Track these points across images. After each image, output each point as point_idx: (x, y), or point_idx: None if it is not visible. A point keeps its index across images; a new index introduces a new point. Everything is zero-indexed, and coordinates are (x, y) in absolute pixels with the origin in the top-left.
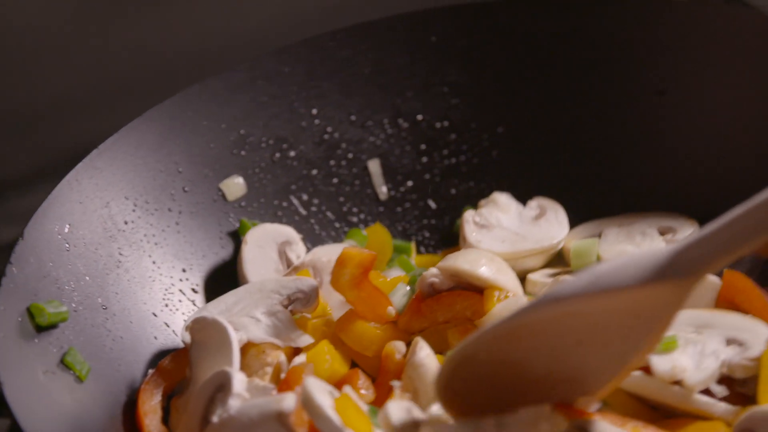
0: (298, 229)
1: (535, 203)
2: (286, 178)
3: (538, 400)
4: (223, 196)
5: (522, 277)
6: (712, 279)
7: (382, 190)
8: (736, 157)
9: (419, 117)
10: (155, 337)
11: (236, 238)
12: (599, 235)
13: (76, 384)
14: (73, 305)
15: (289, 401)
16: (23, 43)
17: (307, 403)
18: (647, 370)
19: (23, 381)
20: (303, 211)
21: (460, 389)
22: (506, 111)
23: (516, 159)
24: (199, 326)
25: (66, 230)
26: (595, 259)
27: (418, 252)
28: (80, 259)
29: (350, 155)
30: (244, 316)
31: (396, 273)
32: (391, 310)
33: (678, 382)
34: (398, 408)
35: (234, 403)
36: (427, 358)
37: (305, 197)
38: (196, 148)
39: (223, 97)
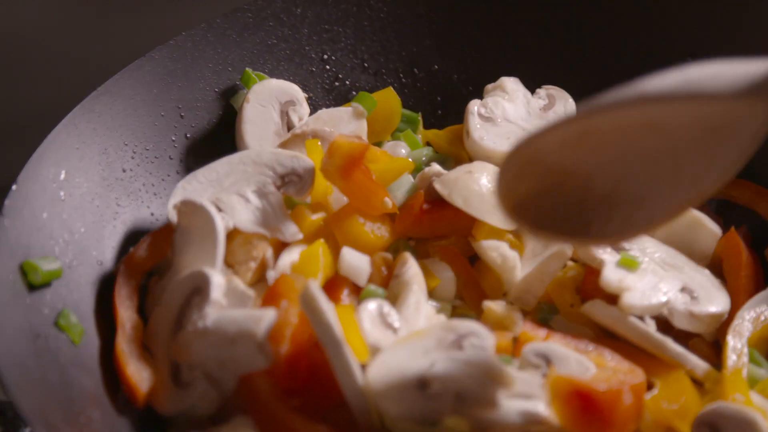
0: None
1: (543, 92)
2: None
3: (595, 223)
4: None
5: None
6: (714, 229)
7: None
8: None
9: (435, 67)
10: None
11: None
12: None
13: (69, 348)
14: (67, 260)
15: (268, 320)
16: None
17: (309, 305)
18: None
19: (15, 346)
20: None
21: (522, 195)
22: (526, 69)
23: None
24: (186, 210)
25: (62, 177)
26: None
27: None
28: (76, 210)
29: None
30: (234, 194)
31: (400, 149)
32: (388, 202)
33: (616, 299)
34: (372, 309)
35: (210, 312)
36: (414, 276)
37: None
38: (200, 92)
39: (229, 38)
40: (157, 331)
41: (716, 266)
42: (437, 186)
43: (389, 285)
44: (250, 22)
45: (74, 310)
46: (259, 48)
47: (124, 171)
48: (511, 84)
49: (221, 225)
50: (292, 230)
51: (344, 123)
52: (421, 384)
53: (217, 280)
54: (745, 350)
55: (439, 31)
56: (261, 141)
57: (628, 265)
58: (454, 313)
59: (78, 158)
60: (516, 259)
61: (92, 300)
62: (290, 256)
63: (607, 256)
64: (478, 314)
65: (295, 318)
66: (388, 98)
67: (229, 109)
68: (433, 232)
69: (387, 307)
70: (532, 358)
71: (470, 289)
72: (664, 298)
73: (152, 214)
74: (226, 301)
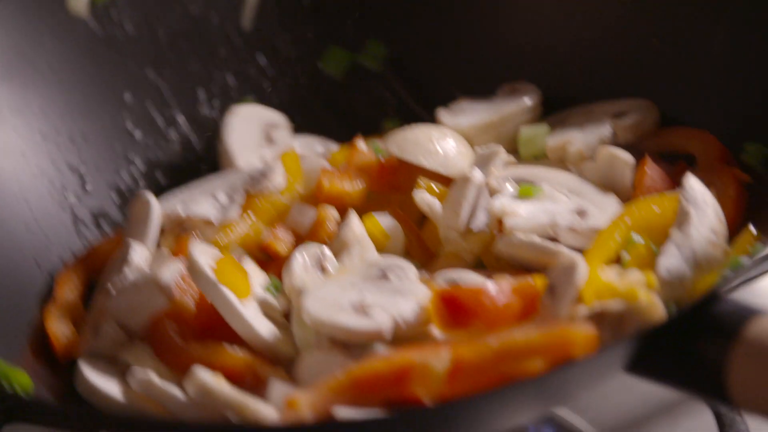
0: None
1: (504, 88)
2: None
3: None
4: None
5: None
6: (627, 159)
7: None
8: None
9: None
10: None
11: None
12: (562, 123)
13: None
14: None
15: (169, 264)
16: None
17: (189, 262)
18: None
19: None
20: None
21: None
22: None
23: None
24: (135, 201)
25: None
26: (543, 147)
27: None
28: None
29: None
30: (205, 193)
31: None
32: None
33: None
34: (309, 253)
35: (128, 272)
36: (358, 237)
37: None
38: None
39: None
40: (94, 306)
41: None
42: (381, 144)
43: (332, 241)
44: None
45: None
46: None
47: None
48: (467, 100)
49: (157, 208)
50: (236, 209)
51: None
52: (358, 307)
53: (138, 246)
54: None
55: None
56: (244, 150)
57: (525, 193)
58: None
59: None
60: (435, 202)
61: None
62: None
63: (506, 187)
64: (423, 267)
65: None
66: None
67: None
68: (394, 185)
69: (327, 252)
70: (441, 283)
71: (416, 245)
72: (548, 220)
73: None
74: (146, 266)
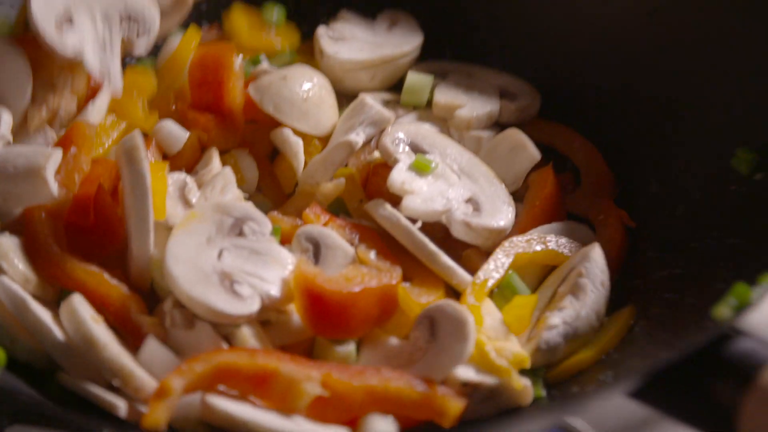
0: None
1: (386, 15)
2: None
3: None
4: None
5: (354, 95)
6: (534, 153)
7: None
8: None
9: None
10: None
11: None
12: (443, 76)
13: None
14: None
15: (56, 156)
16: None
17: (129, 151)
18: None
19: None
20: None
21: None
22: None
23: None
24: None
25: None
26: (426, 99)
27: None
28: None
29: None
30: (86, 10)
31: None
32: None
33: (398, 200)
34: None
35: None
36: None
37: None
38: None
39: None
40: None
41: (524, 192)
42: (250, 91)
43: (194, 175)
44: None
45: None
46: None
47: None
48: (351, 14)
49: (27, 65)
50: (117, 84)
51: None
52: (223, 278)
53: (6, 116)
54: (503, 265)
55: None
56: None
57: (421, 168)
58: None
59: None
60: (299, 144)
61: None
62: (104, 101)
63: (403, 155)
64: (274, 204)
65: (86, 166)
66: None
67: None
68: (253, 115)
69: (190, 183)
70: (302, 242)
71: (269, 182)
72: (443, 207)
73: None
74: (11, 137)
